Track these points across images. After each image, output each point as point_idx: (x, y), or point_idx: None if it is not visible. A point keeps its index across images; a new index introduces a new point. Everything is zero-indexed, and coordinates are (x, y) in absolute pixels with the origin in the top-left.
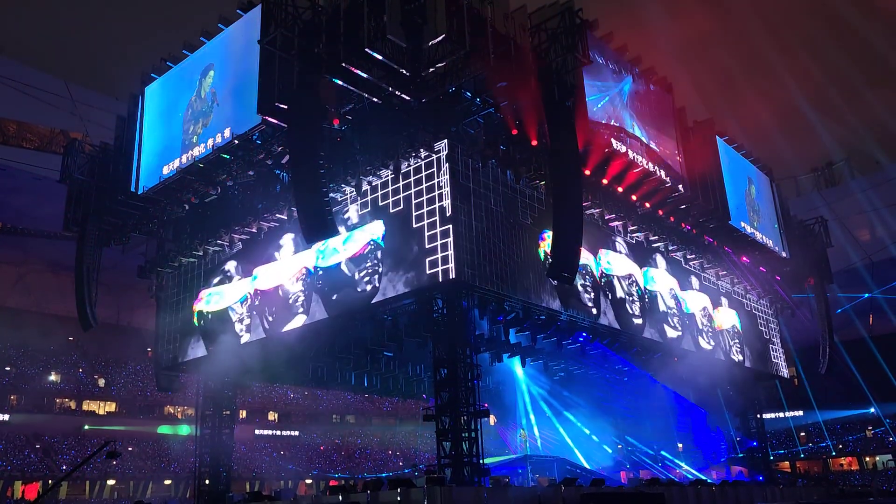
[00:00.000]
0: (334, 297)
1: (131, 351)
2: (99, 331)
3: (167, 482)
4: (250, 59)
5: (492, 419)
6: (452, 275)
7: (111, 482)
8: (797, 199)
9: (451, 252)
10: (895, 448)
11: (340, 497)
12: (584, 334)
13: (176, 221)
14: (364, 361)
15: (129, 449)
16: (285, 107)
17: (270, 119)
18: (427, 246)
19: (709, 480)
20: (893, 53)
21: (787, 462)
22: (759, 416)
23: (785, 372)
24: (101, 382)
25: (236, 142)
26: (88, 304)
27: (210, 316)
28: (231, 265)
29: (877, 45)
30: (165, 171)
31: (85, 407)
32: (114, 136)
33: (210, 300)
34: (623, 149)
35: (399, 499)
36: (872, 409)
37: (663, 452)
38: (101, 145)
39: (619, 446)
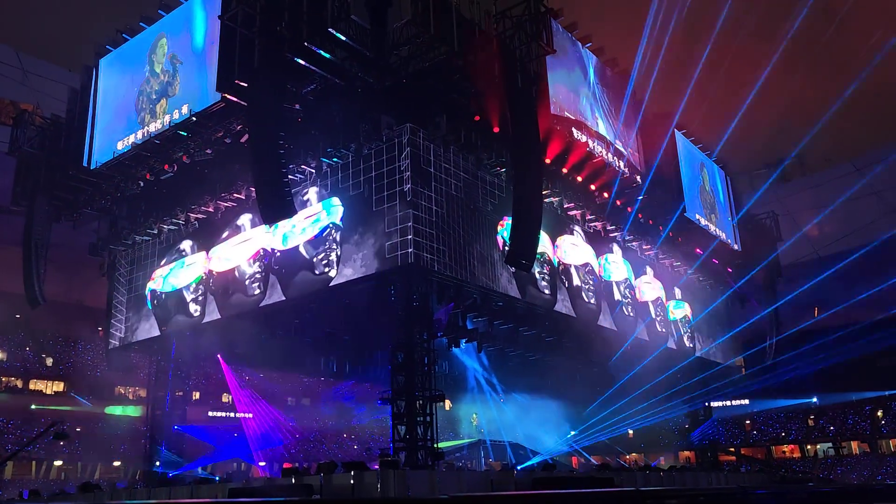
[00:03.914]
0: (291, 280)
1: (81, 330)
2: (47, 309)
3: (116, 464)
4: (211, 34)
5: (447, 404)
6: (411, 259)
7: (58, 463)
8: (750, 193)
9: (410, 236)
10: (835, 437)
11: (293, 479)
12: (541, 321)
13: (130, 198)
14: (321, 344)
15: (78, 429)
16: (245, 84)
17: (230, 97)
18: (387, 230)
19: (656, 466)
20: (845, 52)
21: (732, 449)
22: (707, 404)
23: (734, 361)
24: (49, 361)
25: (194, 119)
26: (36, 280)
27: (164, 296)
28: (186, 244)
29: (830, 43)
30: (120, 146)
31: (32, 386)
32: (66, 109)
33: (164, 280)
34: (583, 139)
35: (352, 482)
36: (815, 399)
37: (614, 438)
38: (53, 118)
39: (573, 433)
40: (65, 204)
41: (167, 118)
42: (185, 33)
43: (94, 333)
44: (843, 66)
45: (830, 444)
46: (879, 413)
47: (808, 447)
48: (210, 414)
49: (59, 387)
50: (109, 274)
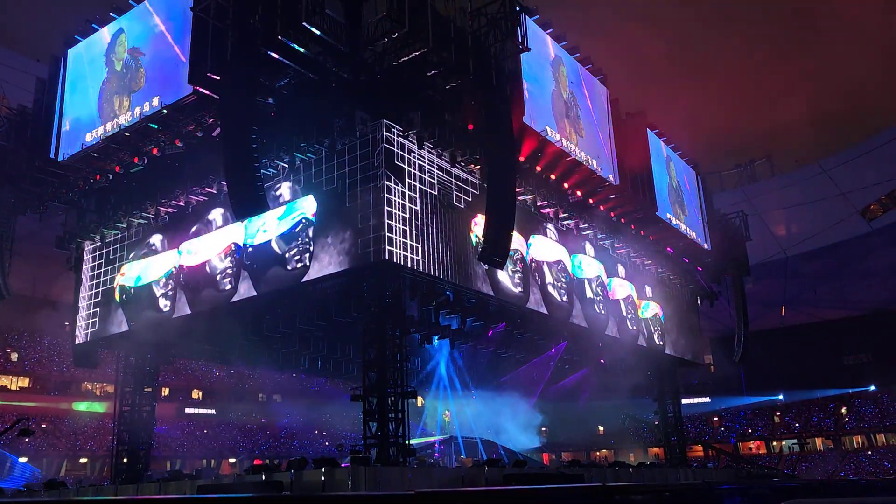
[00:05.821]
0: (263, 275)
1: (47, 324)
2: (13, 303)
3: (83, 461)
4: (183, 26)
5: (419, 400)
6: (384, 255)
7: (23, 460)
8: (720, 194)
9: (383, 232)
10: (800, 433)
11: (264, 476)
12: (513, 318)
13: (99, 191)
14: (292, 340)
15: (43, 426)
16: (218, 78)
17: (202, 89)
18: (359, 226)
19: (626, 462)
20: (807, 53)
21: (700, 445)
22: (676, 401)
23: (703, 359)
24: (14, 357)
25: (165, 111)
26: (1, 274)
27: (132, 290)
28: (156, 238)
29: (795, 45)
30: (89, 138)
31: None
32: (33, 99)
33: (133, 274)
34: (557, 137)
35: (323, 478)
36: (781, 396)
37: (585, 435)
38: (19, 108)
39: (544, 429)
40: (31, 196)
41: (137, 110)
42: (156, 24)
43: (60, 328)
44: (813, 69)
45: (795, 441)
46: (843, 410)
47: (774, 443)
48: (179, 410)
49: (24, 382)
50: (76, 268)
